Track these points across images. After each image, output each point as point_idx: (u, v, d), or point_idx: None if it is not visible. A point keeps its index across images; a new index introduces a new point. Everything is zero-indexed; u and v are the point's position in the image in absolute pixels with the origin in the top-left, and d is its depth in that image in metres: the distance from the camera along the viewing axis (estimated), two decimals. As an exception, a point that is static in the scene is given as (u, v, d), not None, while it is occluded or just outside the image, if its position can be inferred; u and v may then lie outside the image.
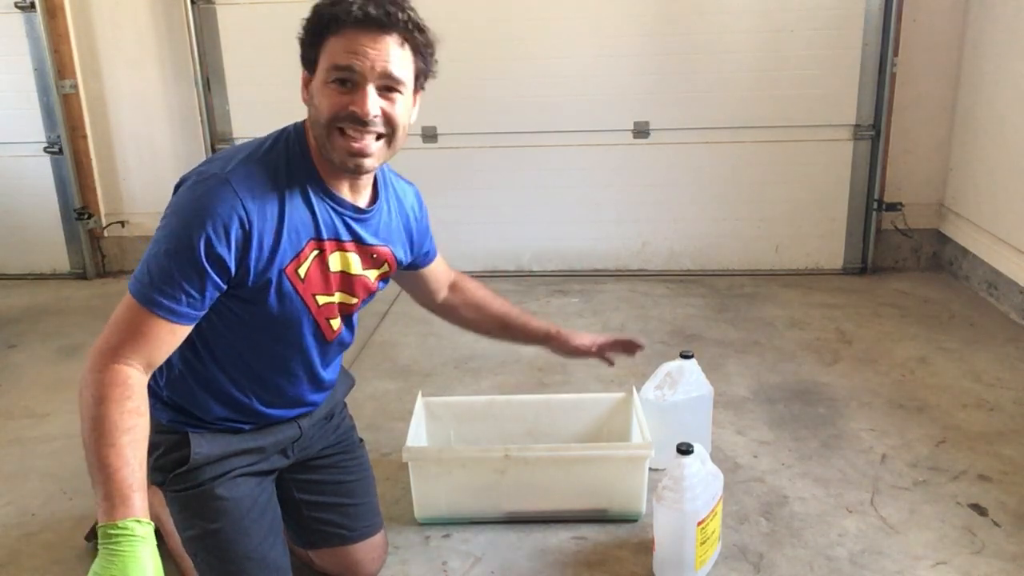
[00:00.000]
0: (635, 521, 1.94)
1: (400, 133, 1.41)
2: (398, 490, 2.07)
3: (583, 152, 3.69)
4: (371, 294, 1.60)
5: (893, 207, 3.66)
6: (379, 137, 1.38)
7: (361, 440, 1.84)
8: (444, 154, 3.73)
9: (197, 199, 1.32)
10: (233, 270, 1.34)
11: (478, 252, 3.82)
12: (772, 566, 1.78)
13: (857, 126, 3.58)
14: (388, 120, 1.37)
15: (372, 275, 1.57)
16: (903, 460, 2.17)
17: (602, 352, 1.88)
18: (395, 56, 1.34)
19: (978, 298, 3.35)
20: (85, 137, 3.86)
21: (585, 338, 1.87)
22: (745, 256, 3.77)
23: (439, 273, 1.81)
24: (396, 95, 1.37)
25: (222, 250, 1.31)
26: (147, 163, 3.92)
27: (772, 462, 2.19)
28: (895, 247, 3.76)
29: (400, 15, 1.33)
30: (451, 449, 2.09)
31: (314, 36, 1.37)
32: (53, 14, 3.68)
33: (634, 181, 3.71)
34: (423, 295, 1.83)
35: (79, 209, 3.90)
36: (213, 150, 3.76)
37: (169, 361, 1.51)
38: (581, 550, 1.85)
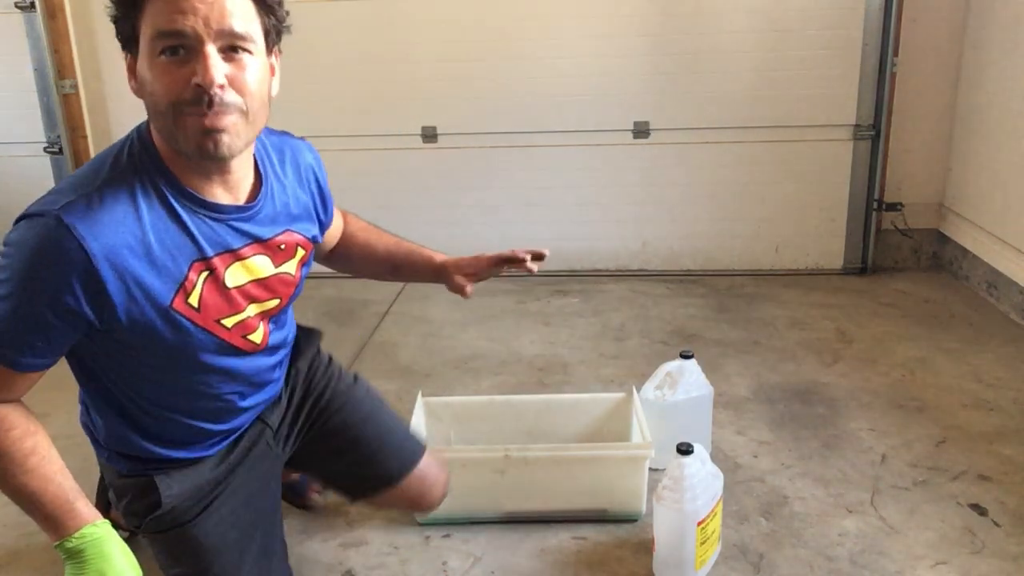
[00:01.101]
0: (635, 521, 1.94)
1: (257, 103, 1.17)
2: (398, 490, 2.07)
3: (583, 152, 3.69)
4: (297, 285, 1.43)
5: (893, 207, 3.66)
6: (232, 111, 1.13)
7: (356, 375, 1.70)
8: (444, 154, 3.73)
9: (27, 246, 1.10)
10: (91, 318, 1.15)
11: (478, 252, 3.80)
12: (772, 566, 1.78)
13: (857, 126, 3.57)
14: (239, 88, 1.13)
15: (291, 267, 1.38)
16: (903, 460, 2.17)
17: (492, 271, 1.68)
18: (232, 5, 1.10)
19: (978, 298, 3.34)
20: (85, 137, 3.86)
21: (467, 267, 1.68)
22: (745, 256, 3.76)
23: (334, 228, 1.61)
24: (244, 56, 1.13)
25: (70, 302, 1.12)
26: (147, 163, 3.91)
27: (772, 462, 2.19)
28: (895, 247, 3.76)
29: None
30: (451, 449, 2.09)
31: (128, 4, 1.13)
32: (53, 14, 3.68)
33: (634, 181, 3.71)
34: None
35: (79, 209, 3.90)
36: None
37: (97, 421, 1.39)
38: (581, 550, 1.85)
